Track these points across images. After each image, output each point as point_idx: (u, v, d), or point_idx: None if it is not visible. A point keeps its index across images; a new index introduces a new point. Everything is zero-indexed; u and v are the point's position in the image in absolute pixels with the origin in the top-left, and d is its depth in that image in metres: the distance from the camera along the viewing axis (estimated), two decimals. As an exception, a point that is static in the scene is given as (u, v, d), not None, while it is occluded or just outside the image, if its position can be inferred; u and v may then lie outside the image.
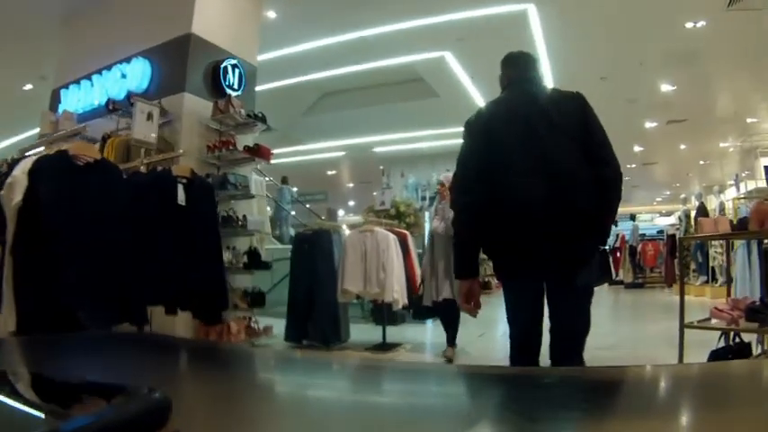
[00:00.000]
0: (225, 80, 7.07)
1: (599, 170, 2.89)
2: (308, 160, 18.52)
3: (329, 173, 21.49)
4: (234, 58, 7.19)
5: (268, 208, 15.49)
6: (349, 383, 0.93)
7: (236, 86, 7.22)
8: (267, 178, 15.95)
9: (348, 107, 14.07)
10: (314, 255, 7.49)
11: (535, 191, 2.83)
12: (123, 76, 7.30)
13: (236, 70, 7.24)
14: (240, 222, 6.60)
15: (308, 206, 18.17)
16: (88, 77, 7.77)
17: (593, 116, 3.05)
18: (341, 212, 21.37)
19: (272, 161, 18.05)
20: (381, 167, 17.89)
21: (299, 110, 14.46)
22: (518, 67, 3.31)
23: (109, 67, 7.53)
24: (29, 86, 10.84)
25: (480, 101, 13.22)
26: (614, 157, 2.99)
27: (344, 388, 0.90)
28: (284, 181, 15.19)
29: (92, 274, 3.34)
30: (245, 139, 7.05)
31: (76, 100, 7.95)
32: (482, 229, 3.00)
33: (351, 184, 23.73)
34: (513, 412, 0.74)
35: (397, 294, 6.74)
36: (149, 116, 5.63)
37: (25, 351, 1.20)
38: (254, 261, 6.76)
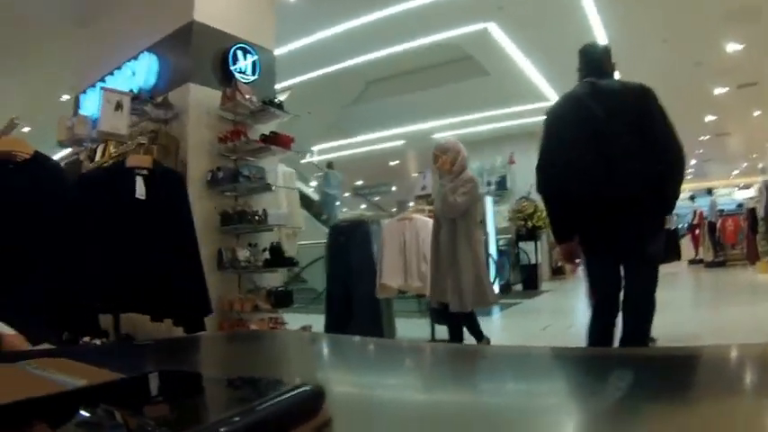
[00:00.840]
0: (235, 67, 6.44)
1: (660, 156, 3.28)
2: (367, 152, 17.75)
3: (392, 163, 20.65)
4: (244, 44, 6.57)
5: (316, 195, 15.09)
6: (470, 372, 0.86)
7: (249, 73, 6.57)
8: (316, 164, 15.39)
9: (395, 94, 13.37)
10: (350, 248, 6.75)
11: (601, 177, 3.30)
12: (133, 73, 6.87)
13: (248, 56, 6.59)
14: (258, 217, 5.97)
15: (376, 199, 17.46)
16: (102, 80, 7.35)
17: (654, 105, 3.39)
18: (411, 204, 20.58)
19: (325, 156, 17.78)
20: None
21: (345, 100, 13.77)
22: (586, 61, 3.73)
23: (120, 67, 7.15)
24: (65, 97, 10.57)
25: (535, 75, 12.16)
26: (676, 142, 3.37)
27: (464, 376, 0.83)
28: (329, 165, 14.73)
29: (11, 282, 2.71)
30: (265, 129, 6.42)
31: (94, 104, 7.42)
32: (564, 208, 3.54)
33: (415, 174, 22.80)
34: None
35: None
36: (118, 106, 5.07)
37: (164, 353, 1.16)
38: (277, 258, 6.09)
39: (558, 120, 3.65)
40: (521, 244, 14.19)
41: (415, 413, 0.63)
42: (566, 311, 9.81)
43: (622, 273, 3.49)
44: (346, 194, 19.64)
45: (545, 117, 3.77)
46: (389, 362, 1.01)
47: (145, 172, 3.99)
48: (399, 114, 14.77)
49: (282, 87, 12.39)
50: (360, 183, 22.11)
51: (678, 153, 3.38)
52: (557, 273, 16.29)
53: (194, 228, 4.40)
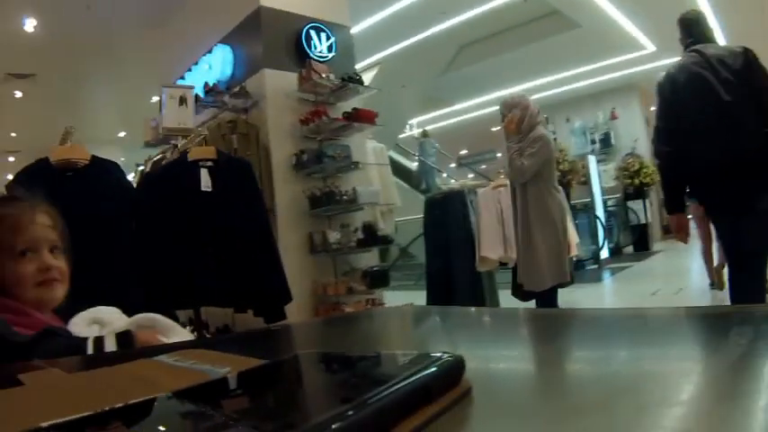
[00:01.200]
0: (310, 47, 6.30)
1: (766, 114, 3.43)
2: (467, 120, 17.27)
3: (493, 129, 20.08)
4: (316, 23, 6.42)
5: (415, 163, 14.84)
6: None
7: (325, 52, 6.42)
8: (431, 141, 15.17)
9: (489, 56, 12.81)
10: (446, 221, 6.46)
11: (714, 141, 3.49)
12: (210, 67, 6.91)
13: (322, 34, 6.43)
14: (347, 196, 5.81)
15: (482, 167, 17.16)
16: (182, 77, 7.44)
17: (757, 66, 3.55)
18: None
19: (427, 127, 17.52)
20: (545, 116, 16.50)
21: (437, 69, 13.35)
22: (688, 30, 3.93)
23: (197, 62, 7.21)
24: (155, 99, 10.77)
25: (627, 25, 11.38)
26: None
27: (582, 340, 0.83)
28: (424, 134, 14.39)
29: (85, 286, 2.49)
30: (348, 106, 6.24)
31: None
32: (682, 174, 3.72)
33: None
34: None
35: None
36: (182, 101, 4.86)
37: (288, 339, 1.19)
38: (371, 237, 5.92)
39: (673, 92, 3.75)
40: (629, 203, 13.45)
41: (542, 379, 0.63)
42: (677, 273, 9.21)
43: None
44: (452, 165, 19.29)
45: (658, 88, 3.87)
46: (505, 330, 1.01)
47: (209, 163, 3.84)
48: (495, 77, 14.15)
49: (370, 64, 12.18)
50: (464, 152, 21.68)
51: None
52: (669, 232, 15.38)
53: (267, 215, 4.32)
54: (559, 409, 0.49)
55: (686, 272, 9.01)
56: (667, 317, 0.95)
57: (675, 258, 11.71)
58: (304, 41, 6.25)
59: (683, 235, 3.94)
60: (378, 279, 5.77)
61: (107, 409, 0.44)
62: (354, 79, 6.11)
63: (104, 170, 3.35)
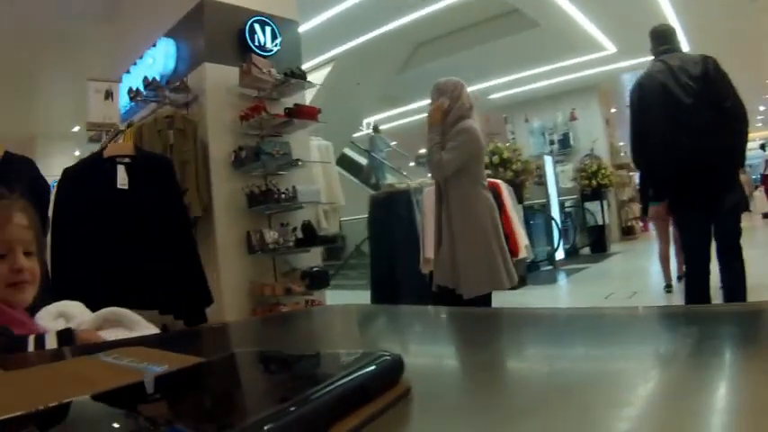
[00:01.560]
0: (254, 41, 6.10)
1: (725, 117, 3.88)
2: (422, 120, 17.01)
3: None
4: (262, 16, 6.22)
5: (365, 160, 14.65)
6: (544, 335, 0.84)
7: (269, 46, 6.22)
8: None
9: (446, 54, 12.57)
10: (391, 221, 6.23)
11: (678, 142, 3.91)
12: (153, 60, 6.70)
13: (267, 28, 6.23)
14: (285, 195, 5.65)
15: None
16: (128, 71, 7.22)
17: (715, 72, 3.97)
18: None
19: (383, 126, 17.27)
20: (504, 116, 16.50)
21: (393, 67, 13.13)
22: (659, 41, 4.37)
23: (141, 56, 6.97)
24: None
25: (587, 24, 11.27)
26: (737, 103, 3.94)
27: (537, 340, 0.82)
28: (375, 129, 14.52)
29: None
30: (293, 102, 6.08)
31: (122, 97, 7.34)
32: (655, 176, 4.21)
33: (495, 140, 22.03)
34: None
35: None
36: (107, 95, 4.88)
37: (245, 334, 1.20)
38: (310, 237, 5.75)
39: (640, 98, 4.23)
40: (586, 204, 13.38)
41: (481, 378, 0.62)
42: (633, 275, 9.13)
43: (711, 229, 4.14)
44: (411, 164, 19.14)
45: (630, 95, 4.35)
46: (444, 329, 1.02)
47: (127, 160, 3.69)
48: (447, 75, 13.91)
49: (324, 60, 11.95)
50: (423, 151, 21.53)
51: (744, 116, 3.98)
52: (627, 233, 15.41)
53: (186, 213, 4.19)
54: (499, 409, 0.48)
55: (642, 274, 8.92)
56: (612, 316, 0.96)
57: (632, 260, 11.67)
58: (248, 35, 6.05)
59: (662, 221, 5.02)
60: (317, 280, 5.61)
61: (41, 407, 0.43)
62: (297, 74, 5.93)
63: (15, 167, 3.24)
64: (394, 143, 18.09)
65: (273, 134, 5.92)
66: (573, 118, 15.56)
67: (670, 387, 0.51)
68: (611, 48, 12.55)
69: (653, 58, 4.37)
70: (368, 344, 0.98)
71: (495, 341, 0.86)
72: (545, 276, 9.97)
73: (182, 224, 3.88)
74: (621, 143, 16.88)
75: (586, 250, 13.35)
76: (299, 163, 5.78)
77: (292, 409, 0.39)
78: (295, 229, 5.74)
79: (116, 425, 0.44)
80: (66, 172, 3.78)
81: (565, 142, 15.55)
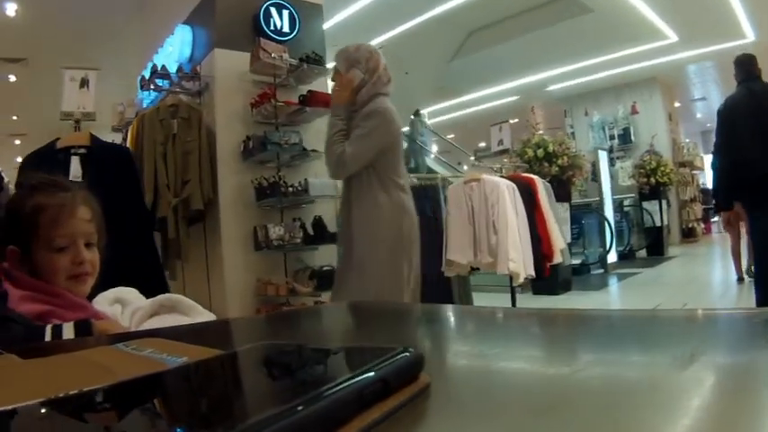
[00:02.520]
0: (268, 25, 5.71)
1: None
2: (479, 112, 16.35)
3: (512, 121, 19.16)
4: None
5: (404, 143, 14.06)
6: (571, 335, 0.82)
7: (287, 30, 5.83)
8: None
9: (498, 42, 11.94)
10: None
11: (757, 154, 4.58)
12: (172, 48, 6.48)
13: (285, 11, 5.84)
14: (293, 188, 5.27)
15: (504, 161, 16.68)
16: (151, 60, 6.89)
17: None
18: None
19: (438, 118, 16.68)
20: (564, 109, 15.81)
21: (444, 56, 12.53)
22: (742, 69, 5.04)
23: (162, 45, 6.75)
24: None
25: (646, 10, 10.46)
26: None
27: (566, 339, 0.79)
28: (416, 114, 13.71)
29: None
30: (316, 89, 5.65)
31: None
32: (734, 180, 4.82)
33: (540, 132, 21.14)
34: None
35: (515, 264, 4.65)
36: (83, 83, 4.53)
37: (259, 328, 1.17)
38: (319, 233, 5.38)
39: (726, 117, 4.87)
40: (644, 204, 12.46)
41: (503, 376, 0.60)
42: (688, 284, 8.30)
43: None
44: (471, 158, 18.53)
45: (717, 114, 4.99)
46: (469, 327, 0.99)
47: (82, 151, 3.52)
48: (509, 66, 13.39)
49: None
50: (482, 144, 20.88)
51: None
52: (688, 235, 14.43)
53: (145, 207, 4.04)
54: (519, 407, 0.48)
55: (698, 282, 8.12)
56: (644, 318, 0.87)
57: (690, 266, 10.78)
58: (261, 19, 5.67)
59: (731, 225, 5.69)
60: (327, 280, 5.04)
61: (60, 395, 0.43)
62: (313, 59, 5.51)
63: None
64: (451, 136, 17.52)
65: (290, 123, 5.55)
66: (634, 112, 14.77)
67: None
68: (672, 36, 11.76)
69: (737, 84, 5.02)
70: (386, 341, 0.81)
71: (516, 340, 0.82)
72: (593, 281, 9.31)
73: (139, 217, 3.66)
74: (687, 140, 15.89)
75: (643, 253, 12.43)
76: (311, 153, 5.35)
77: (311, 401, 0.38)
78: (303, 225, 5.34)
79: (138, 415, 0.42)
80: (23, 162, 3.61)
81: (625, 137, 14.75)
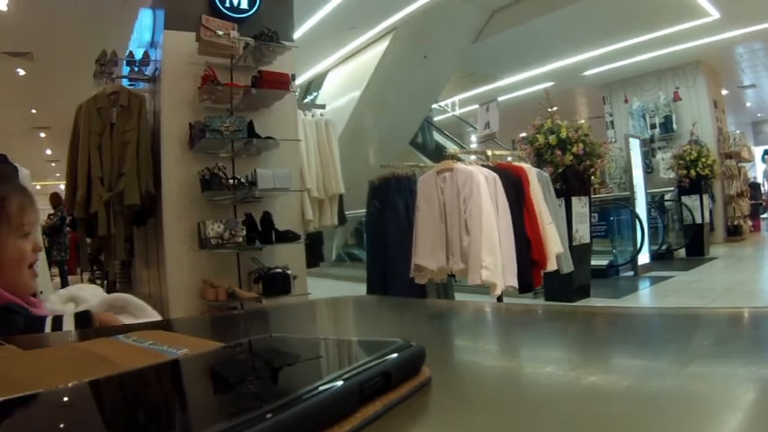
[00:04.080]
0: (223, 3, 5.23)
1: None
2: (514, 100, 15.48)
3: (550, 110, 18.16)
4: None
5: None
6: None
7: (245, 6, 5.34)
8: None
9: (524, 21, 11.01)
10: (385, 215, 4.90)
11: None
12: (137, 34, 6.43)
13: None
14: (234, 180, 4.77)
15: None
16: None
17: None
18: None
19: (468, 107, 15.96)
20: (603, 96, 14.99)
21: (466, 37, 11.75)
22: None
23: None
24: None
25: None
26: None
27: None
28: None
29: None
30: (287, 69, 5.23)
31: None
32: None
33: (581, 121, 20.10)
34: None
35: (489, 272, 3.87)
36: None
37: (259, 320, 1.24)
38: (266, 232, 4.83)
39: None
40: (684, 199, 11.45)
41: (502, 370, 0.63)
42: (728, 292, 7.17)
43: None
44: (472, 141, 17.92)
45: None
46: (471, 322, 1.01)
47: None
48: (540, 49, 12.53)
49: (380, 31, 10.85)
50: (523, 135, 20.02)
51: None
52: (733, 233, 13.34)
53: None
54: (520, 400, 0.49)
55: (740, 291, 7.09)
56: (645, 316, 0.92)
57: (733, 269, 9.75)
58: None
59: None
60: (273, 285, 4.57)
61: (61, 386, 0.44)
62: (266, 36, 4.93)
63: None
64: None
65: (245, 108, 5.06)
66: (677, 98, 13.70)
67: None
68: (714, 13, 10.75)
69: None
70: (387, 335, 0.75)
71: (516, 335, 0.84)
72: (619, 285, 8.51)
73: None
74: (737, 130, 14.74)
75: (682, 253, 11.44)
76: (255, 142, 4.82)
77: (313, 394, 0.38)
78: (245, 222, 4.80)
79: (138, 405, 0.44)
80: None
81: (667, 126, 13.75)
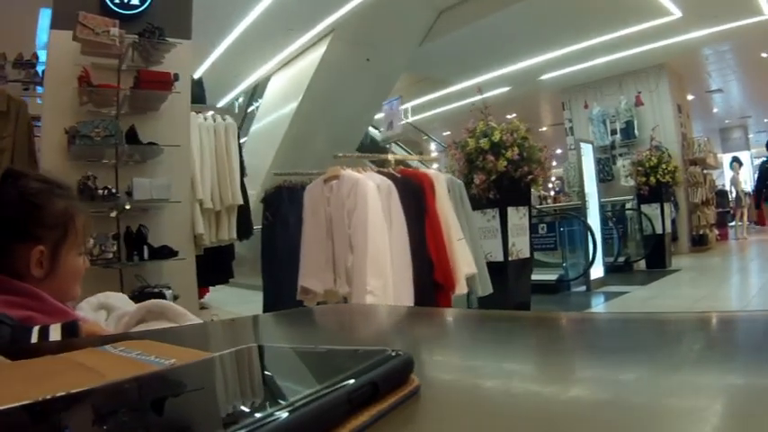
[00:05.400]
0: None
1: None
2: (469, 106, 15.27)
3: (509, 117, 17.89)
4: None
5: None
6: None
7: (136, 2, 5.12)
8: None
9: (473, 20, 10.82)
10: (276, 230, 4.59)
11: None
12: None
13: None
14: (103, 192, 4.56)
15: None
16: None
17: None
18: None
19: (422, 115, 15.75)
20: (562, 101, 14.92)
21: (412, 39, 11.59)
22: None
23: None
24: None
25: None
26: None
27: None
28: None
29: None
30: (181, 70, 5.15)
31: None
32: None
33: (543, 128, 19.94)
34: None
35: (375, 297, 3.55)
36: None
37: (248, 330, 1.20)
38: (138, 248, 4.67)
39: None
40: (643, 207, 11.25)
41: (493, 379, 0.62)
42: (684, 309, 6.72)
43: None
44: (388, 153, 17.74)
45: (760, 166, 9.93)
46: (459, 329, 1.02)
47: None
48: (495, 52, 12.47)
49: (319, 33, 10.58)
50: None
51: None
52: (698, 243, 13.16)
53: None
54: (509, 410, 0.49)
55: (700, 307, 6.65)
56: (639, 321, 0.91)
57: (696, 283, 9.53)
58: None
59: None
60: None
61: (48, 397, 0.44)
62: (149, 32, 4.81)
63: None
64: (447, 133, 16.89)
65: (133, 112, 4.96)
66: (638, 103, 13.66)
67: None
68: (675, 11, 10.71)
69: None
70: (374, 344, 0.83)
71: (504, 343, 0.83)
72: (569, 301, 8.39)
73: None
74: (705, 137, 14.67)
75: (644, 264, 11.24)
76: (126, 148, 4.69)
77: (299, 405, 0.39)
78: (117, 236, 4.65)
79: (124, 417, 0.44)
80: None
81: (628, 131, 13.68)
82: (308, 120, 11.16)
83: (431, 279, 4.05)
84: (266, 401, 0.43)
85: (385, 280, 3.68)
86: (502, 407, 0.48)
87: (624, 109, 13.80)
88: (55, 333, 1.25)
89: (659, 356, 0.62)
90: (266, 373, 0.56)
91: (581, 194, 9.54)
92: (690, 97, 14.97)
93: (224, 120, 5.69)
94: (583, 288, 8.94)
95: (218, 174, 5.38)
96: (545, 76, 14.00)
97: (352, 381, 0.43)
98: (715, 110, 18.30)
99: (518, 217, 6.72)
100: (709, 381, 0.53)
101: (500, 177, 6.46)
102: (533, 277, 7.58)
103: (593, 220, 9.47)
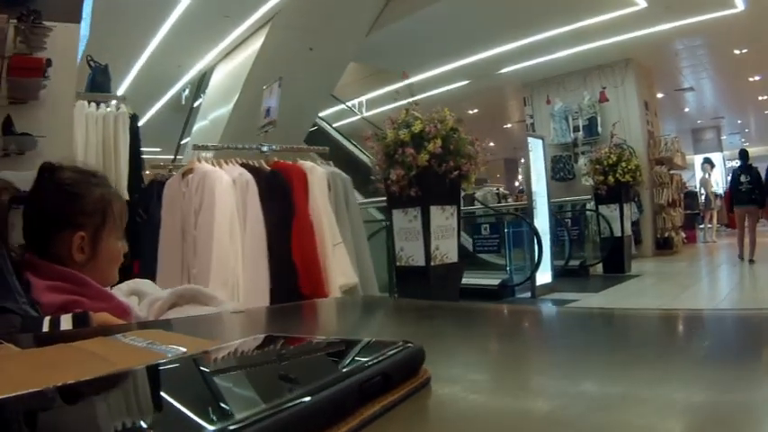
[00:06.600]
0: None
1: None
2: (427, 100, 15.00)
3: (470, 112, 17.56)
4: None
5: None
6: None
7: None
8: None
9: (423, 5, 10.59)
10: (147, 229, 4.24)
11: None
12: None
13: None
14: None
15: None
16: None
17: (757, 174, 11.60)
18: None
19: (375, 110, 15.45)
20: (524, 97, 14.78)
21: (359, 28, 11.28)
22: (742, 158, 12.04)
23: None
24: None
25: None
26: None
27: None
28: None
29: None
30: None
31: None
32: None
33: (509, 125, 19.66)
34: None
35: (223, 298, 3.06)
36: None
37: (258, 321, 1.27)
38: None
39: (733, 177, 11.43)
40: (601, 208, 10.99)
41: (502, 372, 0.64)
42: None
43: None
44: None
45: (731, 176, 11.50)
46: (470, 322, 1.04)
47: None
48: (452, 41, 12.20)
49: (259, 20, 10.19)
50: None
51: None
52: (663, 246, 12.94)
53: None
54: (520, 402, 0.50)
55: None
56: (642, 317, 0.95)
57: (655, 290, 9.33)
58: None
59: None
60: None
61: (58, 384, 0.45)
62: (25, 15, 4.62)
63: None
64: None
65: (16, 101, 4.78)
66: (603, 99, 13.59)
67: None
68: (639, 1, 10.60)
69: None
70: (386, 334, 0.95)
71: (515, 337, 0.86)
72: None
73: None
74: (675, 137, 14.47)
75: (600, 269, 11.02)
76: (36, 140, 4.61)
77: (312, 394, 0.39)
78: None
79: (136, 404, 0.45)
80: None
81: (591, 129, 13.64)
82: (248, 114, 10.78)
83: (296, 289, 3.66)
84: (276, 391, 0.44)
85: (232, 291, 3.30)
86: (513, 401, 0.50)
87: (587, 105, 13.75)
88: (65, 323, 1.29)
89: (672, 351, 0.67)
90: (277, 362, 0.58)
91: (528, 193, 9.29)
92: (660, 95, 14.97)
93: (117, 109, 5.38)
94: (528, 294, 8.62)
95: (104, 166, 5.03)
96: (504, 70, 13.85)
97: (363, 370, 0.44)
98: (686, 109, 18.36)
99: (444, 217, 6.35)
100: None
101: (423, 173, 6.06)
102: (473, 281, 7.28)
103: (542, 220, 9.27)
